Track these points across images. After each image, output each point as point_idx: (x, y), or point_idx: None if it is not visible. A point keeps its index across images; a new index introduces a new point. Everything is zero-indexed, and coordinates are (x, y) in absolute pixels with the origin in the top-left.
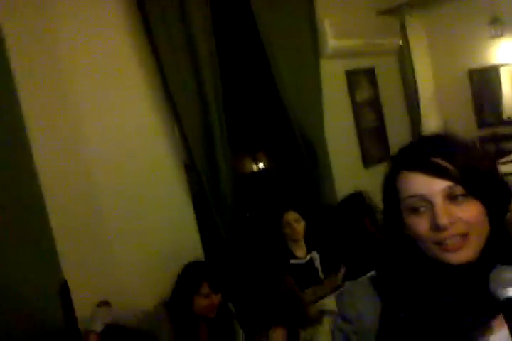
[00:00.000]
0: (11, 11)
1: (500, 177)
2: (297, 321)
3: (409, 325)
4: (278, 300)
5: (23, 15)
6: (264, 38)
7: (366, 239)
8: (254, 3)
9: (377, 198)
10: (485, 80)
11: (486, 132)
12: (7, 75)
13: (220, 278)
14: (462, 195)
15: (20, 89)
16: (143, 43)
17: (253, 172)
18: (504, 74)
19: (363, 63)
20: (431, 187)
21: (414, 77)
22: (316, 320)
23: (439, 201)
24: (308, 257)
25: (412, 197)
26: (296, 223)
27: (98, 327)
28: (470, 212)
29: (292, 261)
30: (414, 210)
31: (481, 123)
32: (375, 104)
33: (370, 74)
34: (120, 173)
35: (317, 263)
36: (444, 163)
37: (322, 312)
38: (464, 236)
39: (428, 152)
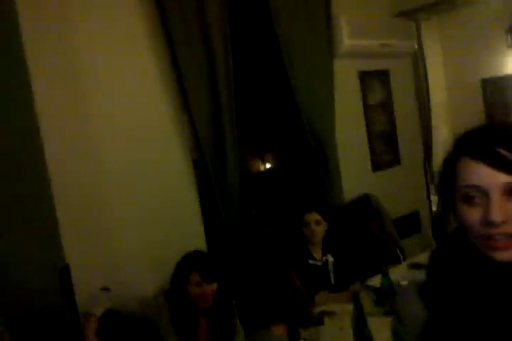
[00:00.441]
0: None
1: None
2: (299, 319)
3: (453, 335)
4: (281, 296)
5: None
6: (280, 34)
7: (371, 243)
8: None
9: (384, 202)
10: (498, 90)
11: None
12: (20, 58)
13: (213, 267)
14: None
15: (32, 72)
16: (158, 34)
17: (260, 172)
18: None
19: (377, 65)
20: (491, 179)
21: (426, 83)
22: (318, 320)
23: (496, 196)
24: (324, 259)
25: (468, 186)
26: (315, 225)
27: (98, 311)
28: None
29: (310, 262)
30: (468, 200)
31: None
32: (387, 107)
33: (384, 76)
34: (128, 163)
35: (330, 267)
36: (510, 157)
37: (324, 313)
38: None
39: (494, 142)
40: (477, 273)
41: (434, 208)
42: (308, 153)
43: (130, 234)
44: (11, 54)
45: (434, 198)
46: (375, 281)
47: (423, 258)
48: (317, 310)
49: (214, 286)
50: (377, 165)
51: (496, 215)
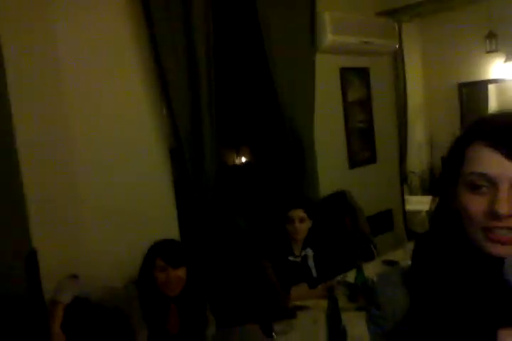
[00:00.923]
0: None
1: None
2: (271, 310)
3: (435, 323)
4: (254, 287)
5: None
6: (263, 27)
7: (346, 238)
8: None
9: (359, 199)
10: (473, 95)
11: None
12: None
13: (178, 252)
14: None
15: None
16: (139, 25)
17: (235, 166)
18: (492, 91)
19: (358, 62)
20: (502, 169)
21: (404, 83)
22: (291, 313)
23: (505, 187)
24: (303, 254)
25: (476, 174)
26: (299, 222)
27: (66, 298)
28: None
29: (290, 258)
30: (474, 188)
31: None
32: (366, 105)
33: (364, 73)
34: (102, 151)
35: (310, 262)
36: None
37: (297, 308)
38: None
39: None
40: (465, 262)
41: (407, 207)
42: (286, 147)
43: (101, 222)
44: None
45: (407, 197)
46: (349, 277)
47: (396, 255)
48: (291, 304)
49: (180, 272)
50: (354, 163)
51: (503, 207)
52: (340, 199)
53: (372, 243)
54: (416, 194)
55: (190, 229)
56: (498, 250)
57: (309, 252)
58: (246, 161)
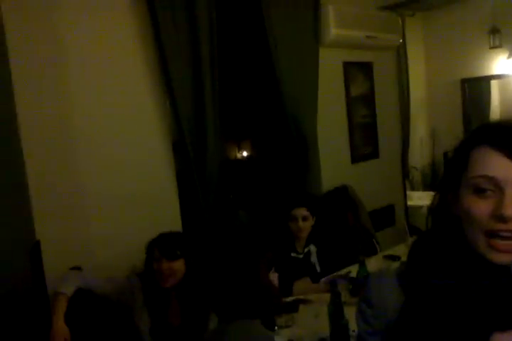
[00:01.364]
0: None
1: None
2: (267, 312)
3: (429, 323)
4: (248, 289)
5: None
6: (266, 21)
7: (347, 233)
8: None
9: (361, 194)
10: (476, 91)
11: None
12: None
13: (173, 244)
14: None
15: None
16: (143, 17)
17: (237, 160)
18: (495, 87)
19: (361, 56)
20: (509, 172)
21: (407, 79)
22: (292, 307)
23: (511, 190)
24: (306, 250)
25: (482, 177)
26: (302, 221)
27: (69, 289)
28: None
29: (292, 255)
30: (479, 191)
31: (468, 133)
32: (369, 99)
33: (367, 68)
34: (106, 143)
35: (313, 258)
36: None
37: (298, 301)
38: None
39: None
40: (462, 265)
41: (409, 202)
42: (289, 141)
43: (105, 214)
44: None
45: (408, 193)
46: (351, 271)
47: (398, 250)
48: (294, 297)
49: (176, 264)
50: (356, 157)
51: (509, 210)
52: (343, 194)
53: (375, 238)
54: (417, 189)
55: (193, 221)
56: (499, 257)
57: (312, 248)
58: (248, 155)
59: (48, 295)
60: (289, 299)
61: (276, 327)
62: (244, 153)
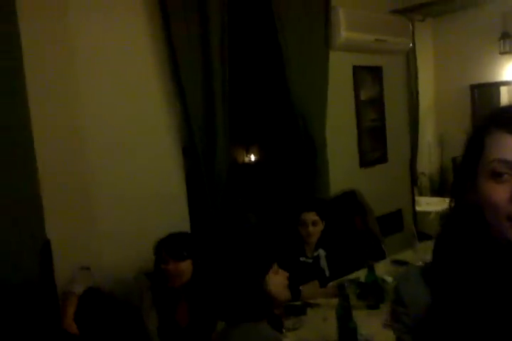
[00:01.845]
0: None
1: None
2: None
3: (457, 319)
4: (248, 299)
5: None
6: (278, 24)
7: (355, 237)
8: None
9: (369, 198)
10: (485, 97)
11: None
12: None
13: (180, 245)
14: None
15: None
16: (155, 21)
17: (244, 164)
18: (504, 93)
19: (371, 60)
20: None
21: (416, 83)
22: (301, 310)
23: None
24: (315, 255)
25: (499, 161)
26: (312, 225)
27: (78, 289)
28: None
29: (301, 259)
30: (497, 176)
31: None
32: (378, 103)
33: (377, 72)
34: (116, 145)
35: (323, 262)
36: None
37: (306, 305)
38: None
39: None
40: (487, 257)
41: (417, 208)
42: (297, 145)
43: (114, 215)
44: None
45: (416, 198)
46: (359, 275)
47: (406, 255)
48: (302, 301)
49: (182, 265)
50: (364, 162)
51: None
52: (351, 198)
53: (383, 242)
54: (425, 195)
55: (201, 223)
56: None
57: (322, 253)
58: (256, 159)
59: (58, 294)
60: (297, 303)
61: (283, 330)
62: (253, 157)
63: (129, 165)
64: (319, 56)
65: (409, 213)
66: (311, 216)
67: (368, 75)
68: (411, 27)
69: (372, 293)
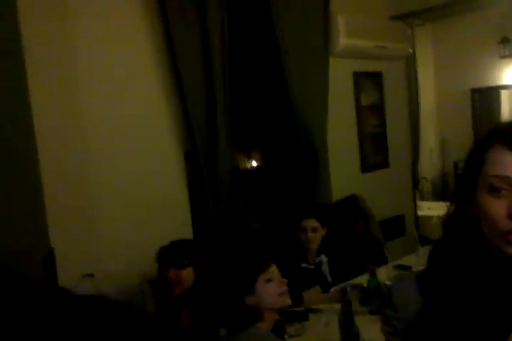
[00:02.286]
0: None
1: None
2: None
3: (446, 323)
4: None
5: None
6: (277, 30)
7: (357, 242)
8: None
9: (371, 204)
10: (486, 101)
11: None
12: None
13: (180, 253)
14: None
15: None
16: (155, 24)
17: (246, 170)
18: (505, 97)
19: (371, 66)
20: None
21: (416, 89)
22: (303, 316)
23: None
24: (317, 261)
25: (497, 176)
26: (312, 232)
27: None
28: None
29: (303, 265)
30: (494, 191)
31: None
32: (379, 109)
33: (377, 78)
34: (118, 151)
35: (325, 268)
36: None
37: (308, 310)
38: None
39: None
40: (482, 268)
41: (419, 212)
42: (298, 151)
43: (117, 223)
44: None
45: (418, 203)
46: (361, 280)
47: (408, 260)
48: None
49: (182, 273)
50: (366, 167)
51: None
52: (352, 203)
53: (385, 247)
54: (427, 200)
55: (204, 230)
56: None
57: (323, 258)
58: (258, 165)
59: None
60: (299, 309)
61: (286, 336)
62: (254, 163)
63: (132, 172)
64: (319, 63)
65: (411, 218)
66: (311, 222)
67: (368, 81)
68: (410, 32)
69: (375, 298)
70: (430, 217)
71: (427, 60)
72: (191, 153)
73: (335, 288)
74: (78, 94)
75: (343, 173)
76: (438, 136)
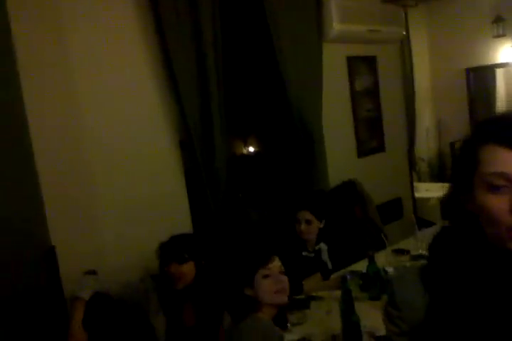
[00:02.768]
0: None
1: None
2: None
3: (455, 322)
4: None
5: None
6: (269, 17)
7: (356, 228)
8: None
9: (368, 188)
10: (481, 80)
11: None
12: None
13: (179, 247)
14: None
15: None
16: (147, 18)
17: (243, 155)
18: (500, 75)
19: (365, 50)
20: None
21: (411, 70)
22: (304, 304)
23: None
24: (317, 248)
25: (495, 174)
26: (306, 224)
27: (86, 294)
28: None
29: (304, 254)
30: (494, 188)
31: (474, 123)
32: (374, 93)
33: (371, 62)
34: (115, 145)
35: (324, 256)
36: None
37: (310, 298)
38: None
39: None
40: (484, 262)
41: (416, 194)
42: (294, 137)
43: (117, 217)
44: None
45: (415, 185)
46: (360, 266)
47: (406, 244)
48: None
49: (183, 267)
50: (362, 151)
51: None
52: (350, 188)
53: (383, 232)
54: (424, 181)
55: (203, 221)
56: None
57: (323, 246)
58: (254, 151)
59: (65, 299)
60: (301, 297)
61: (288, 325)
62: (251, 149)
63: (128, 165)
64: (312, 48)
65: (409, 200)
66: (305, 215)
67: (362, 65)
68: (403, 14)
69: (374, 285)
70: (428, 199)
71: (422, 40)
72: (186, 141)
73: (335, 274)
74: (72, 91)
75: (340, 158)
76: (434, 117)
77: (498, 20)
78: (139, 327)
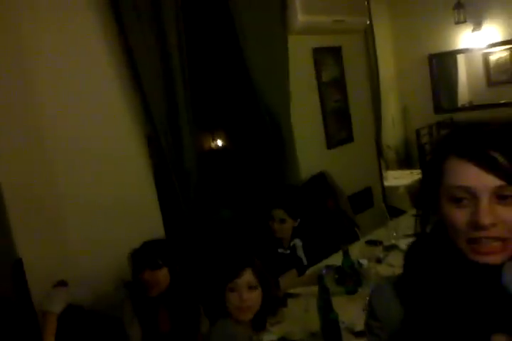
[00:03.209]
0: None
1: None
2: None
3: (429, 331)
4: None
5: None
6: (233, 10)
7: (328, 220)
8: None
9: (338, 179)
10: (443, 66)
11: (442, 118)
12: None
13: (152, 253)
14: None
15: None
16: (109, 17)
17: (211, 150)
18: (461, 61)
19: (330, 41)
20: (481, 182)
21: (375, 59)
22: (281, 302)
23: (485, 198)
24: (291, 244)
25: (456, 187)
26: (279, 223)
27: (57, 307)
28: None
29: (279, 250)
30: (456, 201)
31: (438, 109)
32: (341, 84)
33: (337, 52)
34: (79, 147)
35: (299, 251)
36: (502, 160)
37: (287, 295)
38: (502, 240)
39: (485, 143)
40: (456, 272)
41: (385, 183)
42: (263, 130)
43: (85, 224)
44: None
45: (385, 173)
46: (335, 260)
47: (379, 234)
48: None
49: (157, 274)
50: (331, 143)
51: (485, 218)
52: (321, 181)
53: (356, 224)
54: (392, 168)
55: (175, 223)
56: (484, 259)
57: (298, 243)
58: (223, 145)
59: (36, 312)
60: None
61: (267, 324)
62: (219, 143)
63: (94, 169)
64: (278, 41)
65: (379, 189)
66: (278, 213)
67: (328, 56)
68: (366, 3)
69: (350, 278)
70: (397, 187)
71: (385, 29)
72: (153, 137)
73: (310, 269)
74: (33, 91)
75: (310, 151)
76: (399, 104)
77: (458, 6)
78: (112, 338)
